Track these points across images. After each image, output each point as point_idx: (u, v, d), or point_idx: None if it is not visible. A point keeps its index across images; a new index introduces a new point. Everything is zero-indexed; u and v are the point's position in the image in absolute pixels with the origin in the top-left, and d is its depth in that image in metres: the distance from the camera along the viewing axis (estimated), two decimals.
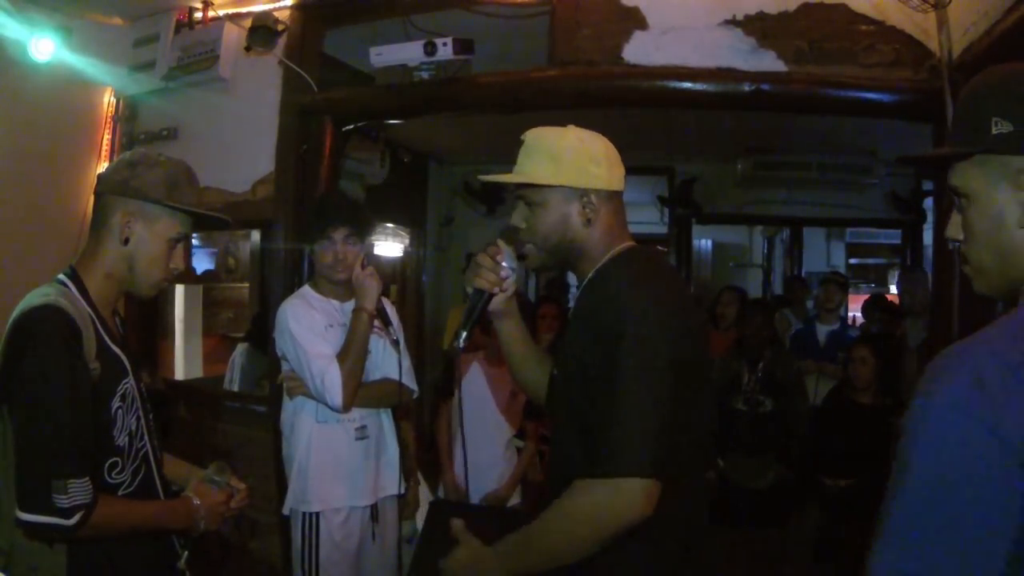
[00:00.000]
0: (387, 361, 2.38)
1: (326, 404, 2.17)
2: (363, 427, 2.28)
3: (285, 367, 2.31)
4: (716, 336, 4.39)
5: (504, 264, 1.46)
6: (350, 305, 2.27)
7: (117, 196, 1.45)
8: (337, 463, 2.25)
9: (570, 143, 1.40)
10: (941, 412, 0.76)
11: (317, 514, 2.23)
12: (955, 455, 0.74)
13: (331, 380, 2.11)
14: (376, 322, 2.28)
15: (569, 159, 1.37)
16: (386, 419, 2.38)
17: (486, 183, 6.64)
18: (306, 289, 2.36)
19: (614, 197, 1.41)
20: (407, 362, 2.39)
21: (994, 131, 0.84)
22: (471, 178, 6.79)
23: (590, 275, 1.39)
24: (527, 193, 1.41)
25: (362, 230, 2.31)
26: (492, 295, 1.47)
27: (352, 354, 2.16)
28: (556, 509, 1.22)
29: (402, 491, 2.40)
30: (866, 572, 0.79)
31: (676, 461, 1.21)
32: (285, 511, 2.30)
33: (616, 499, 1.15)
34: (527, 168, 1.40)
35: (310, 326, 2.21)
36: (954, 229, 0.96)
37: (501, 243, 1.48)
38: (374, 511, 2.32)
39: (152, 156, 1.50)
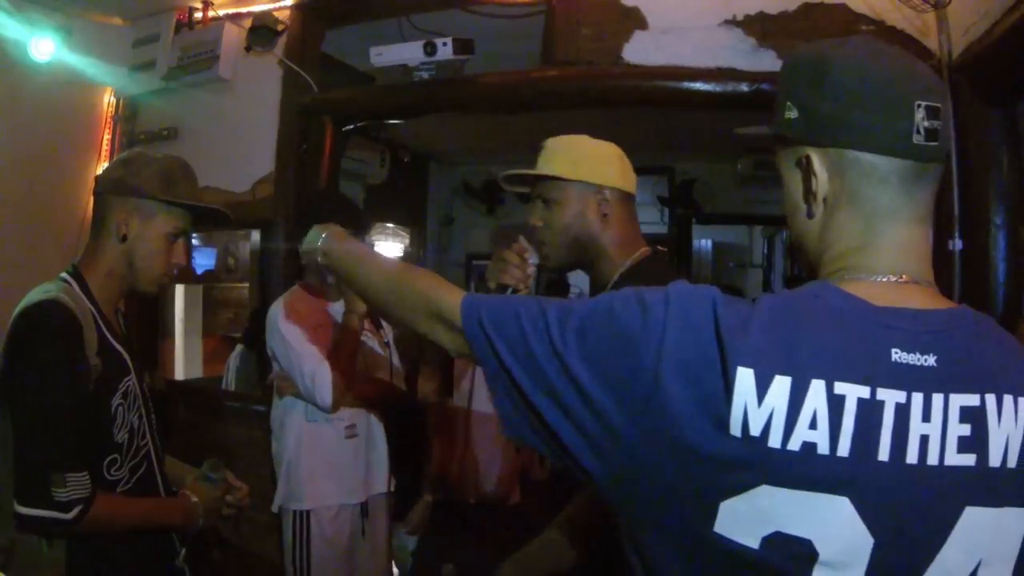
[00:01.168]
0: (378, 363, 2.38)
1: (315, 404, 2.17)
2: (352, 425, 2.30)
3: (275, 367, 2.31)
4: None
5: (530, 261, 1.51)
6: (341, 305, 2.27)
7: (114, 195, 1.46)
8: (327, 461, 2.27)
9: (586, 145, 1.53)
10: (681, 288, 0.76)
11: (308, 512, 2.25)
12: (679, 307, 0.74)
13: (321, 380, 2.12)
14: (367, 323, 2.29)
15: (585, 158, 1.49)
16: (375, 418, 2.40)
17: (485, 182, 6.67)
18: (297, 288, 2.37)
19: (628, 200, 1.53)
20: (398, 363, 2.40)
21: (786, 116, 0.80)
22: (471, 178, 6.80)
23: (615, 278, 1.47)
24: (546, 191, 1.50)
25: (358, 229, 2.31)
26: (517, 291, 1.51)
27: (343, 354, 2.17)
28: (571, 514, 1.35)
29: (391, 489, 2.43)
30: None
31: None
32: (274, 509, 2.32)
33: None
34: (547, 166, 1.50)
35: (300, 326, 2.21)
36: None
37: (524, 241, 1.52)
38: (364, 508, 2.35)
39: (147, 154, 1.52)
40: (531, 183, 1.55)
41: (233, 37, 3.31)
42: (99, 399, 1.37)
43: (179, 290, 4.20)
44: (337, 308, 2.30)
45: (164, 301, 4.02)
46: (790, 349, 0.70)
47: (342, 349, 2.18)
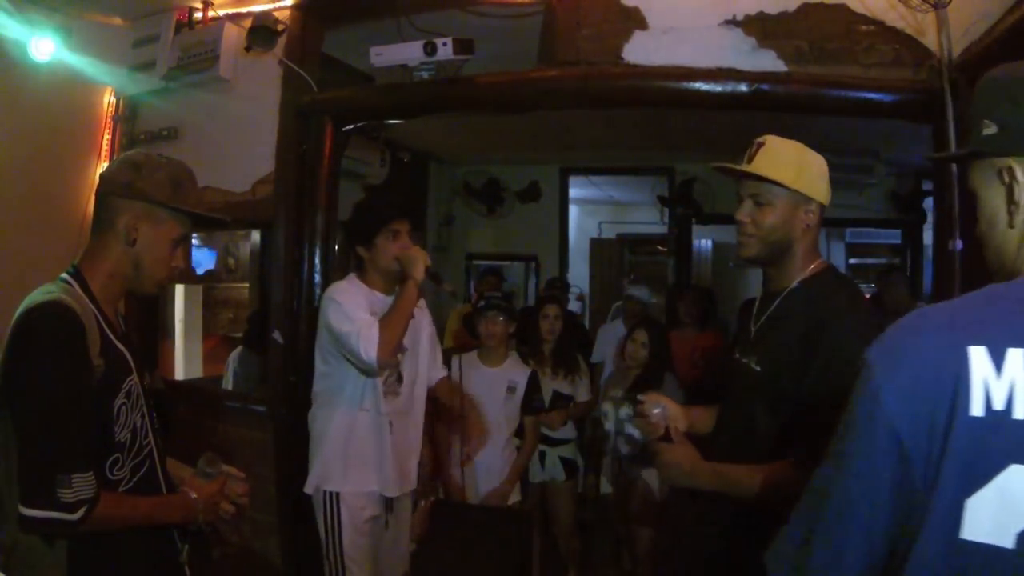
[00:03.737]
0: (423, 344, 2.54)
1: (360, 362, 2.20)
2: (391, 423, 2.37)
3: (323, 339, 2.37)
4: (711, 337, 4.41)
5: (656, 411, 1.66)
6: (392, 298, 2.39)
7: (122, 198, 1.46)
8: (366, 450, 2.35)
9: (810, 158, 1.60)
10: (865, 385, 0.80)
11: (338, 494, 2.33)
12: (851, 404, 0.79)
13: (370, 334, 2.15)
14: (421, 301, 2.42)
15: (809, 171, 1.58)
16: (410, 423, 2.48)
17: (485, 182, 6.67)
18: (352, 277, 2.47)
19: (822, 212, 1.60)
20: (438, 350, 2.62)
21: (984, 133, 0.87)
22: (471, 178, 6.80)
23: (793, 285, 1.59)
24: (759, 191, 1.58)
25: (420, 221, 2.47)
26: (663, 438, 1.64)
27: (395, 315, 2.24)
28: (770, 474, 1.43)
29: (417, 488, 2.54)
30: None
31: None
32: (308, 490, 2.38)
33: None
34: (771, 170, 1.56)
35: (356, 300, 2.31)
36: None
37: (648, 402, 1.68)
38: (390, 503, 2.42)
39: (155, 158, 1.52)
40: (740, 177, 1.62)
41: (233, 37, 3.30)
42: (102, 399, 1.37)
43: (179, 290, 4.20)
44: (386, 300, 2.40)
45: (164, 301, 4.02)
46: (1011, 325, 0.75)
47: (396, 311, 2.24)
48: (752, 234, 1.60)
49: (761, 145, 1.60)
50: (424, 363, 2.55)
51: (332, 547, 2.33)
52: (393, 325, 2.20)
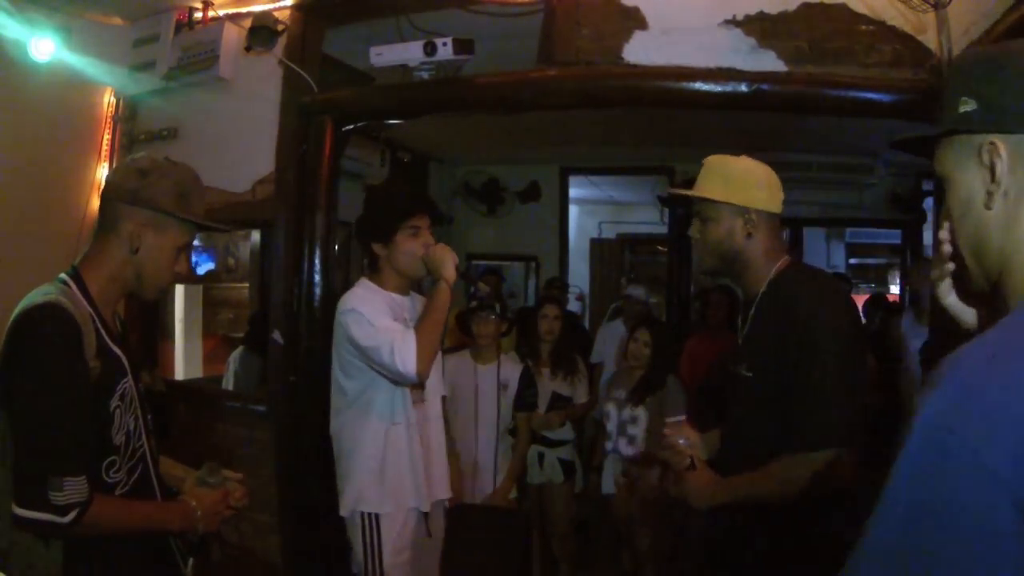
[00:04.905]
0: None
1: (397, 375, 2.05)
2: (418, 431, 2.25)
3: (343, 357, 2.20)
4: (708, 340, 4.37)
5: (681, 443, 1.70)
6: (410, 300, 2.29)
7: (127, 204, 1.46)
8: (403, 465, 2.20)
9: (739, 169, 1.70)
10: (923, 428, 0.65)
11: (378, 515, 2.19)
12: (932, 479, 0.63)
13: (405, 346, 2.00)
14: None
15: (735, 181, 1.67)
16: (434, 428, 2.35)
17: (485, 182, 6.67)
18: (365, 281, 2.29)
19: (773, 218, 1.69)
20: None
21: (961, 110, 0.81)
22: (471, 178, 6.81)
23: (763, 289, 1.65)
24: (702, 208, 1.72)
25: (441, 218, 2.34)
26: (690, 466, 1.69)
27: (430, 322, 2.09)
28: (777, 471, 1.50)
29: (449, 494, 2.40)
30: None
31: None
32: (344, 512, 2.23)
33: (823, 468, 1.43)
34: (705, 187, 1.71)
35: (377, 308, 2.15)
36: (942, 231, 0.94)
37: (671, 434, 1.73)
38: (426, 516, 2.28)
39: (162, 164, 1.52)
40: (681, 199, 1.77)
41: (233, 37, 3.30)
42: (98, 401, 1.37)
43: (179, 290, 4.20)
44: (406, 302, 2.28)
45: (164, 301, 4.02)
46: None
47: (430, 318, 2.10)
48: (702, 252, 1.75)
49: (703, 166, 1.74)
50: (438, 367, 2.41)
51: (373, 570, 2.19)
52: (429, 332, 2.06)
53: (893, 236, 6.88)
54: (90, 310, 1.41)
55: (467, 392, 3.11)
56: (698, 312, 5.02)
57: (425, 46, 2.83)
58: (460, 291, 3.13)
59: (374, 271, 2.32)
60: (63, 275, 1.44)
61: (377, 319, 2.09)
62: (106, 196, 1.50)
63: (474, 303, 3.21)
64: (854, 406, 1.49)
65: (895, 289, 7.61)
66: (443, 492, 2.35)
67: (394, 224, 2.22)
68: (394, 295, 2.26)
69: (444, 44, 2.81)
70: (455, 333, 4.21)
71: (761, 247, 1.67)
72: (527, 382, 3.24)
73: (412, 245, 2.22)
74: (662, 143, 5.58)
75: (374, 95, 3.36)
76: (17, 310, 1.34)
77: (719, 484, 1.63)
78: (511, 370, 3.21)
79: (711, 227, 1.70)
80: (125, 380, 1.45)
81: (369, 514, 2.19)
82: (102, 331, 1.42)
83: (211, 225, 1.60)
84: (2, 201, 3.15)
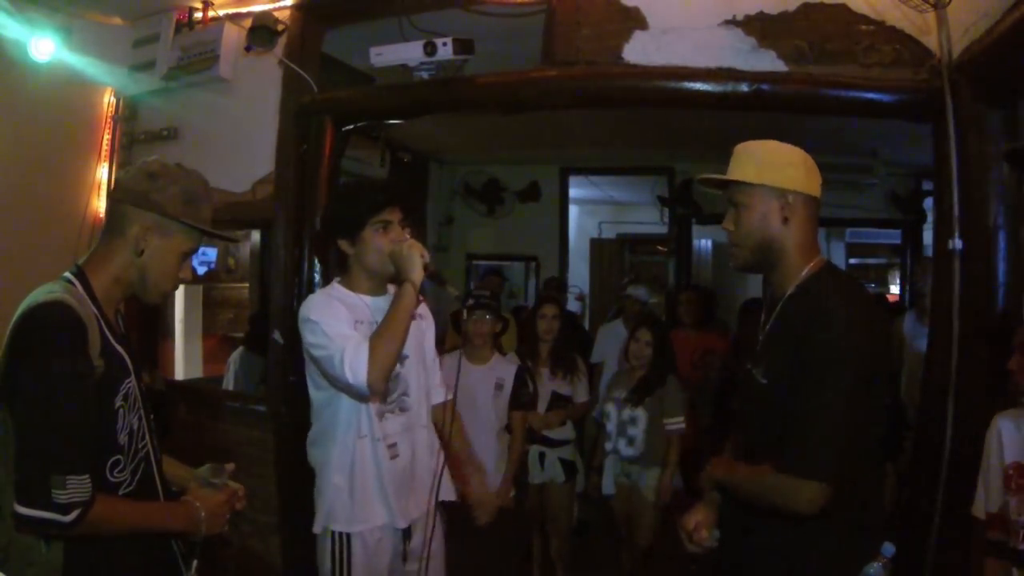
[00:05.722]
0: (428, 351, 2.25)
1: (347, 387, 1.88)
2: (394, 444, 2.08)
3: (309, 386, 2.09)
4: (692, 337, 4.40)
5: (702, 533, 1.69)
6: (382, 300, 2.08)
7: (135, 207, 1.46)
8: (370, 480, 2.04)
9: (771, 149, 1.60)
10: None
11: (349, 534, 2.04)
12: None
13: (357, 355, 1.82)
14: (420, 308, 2.11)
15: (769, 163, 1.57)
16: (420, 438, 2.17)
17: (485, 182, 6.67)
18: (334, 285, 2.13)
19: (811, 203, 1.58)
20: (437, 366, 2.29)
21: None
22: (471, 178, 6.81)
23: (791, 290, 1.56)
24: (735, 195, 1.60)
25: (414, 211, 2.14)
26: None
27: (387, 330, 1.88)
28: (763, 481, 1.50)
29: (441, 499, 2.18)
30: None
31: (853, 462, 1.43)
32: (316, 530, 2.09)
33: (797, 496, 1.41)
34: (737, 172, 1.60)
35: (334, 315, 1.95)
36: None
37: (688, 525, 1.72)
38: (407, 532, 2.13)
39: (172, 169, 1.52)
40: (724, 188, 1.64)
41: (233, 37, 3.31)
42: (101, 401, 1.37)
43: (179, 290, 4.20)
44: (378, 303, 2.07)
45: (164, 302, 4.02)
46: None
47: (389, 324, 1.88)
48: (737, 242, 1.62)
49: (732, 156, 1.64)
50: (433, 370, 2.30)
51: None
52: (386, 341, 1.85)
53: (893, 236, 6.88)
54: (95, 310, 1.41)
55: (462, 393, 3.10)
56: (668, 312, 5.10)
57: (425, 46, 2.83)
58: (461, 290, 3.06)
59: (344, 272, 2.13)
60: (68, 274, 1.44)
61: (332, 327, 1.90)
62: (114, 197, 1.50)
63: (469, 302, 3.20)
64: (851, 442, 1.41)
65: (895, 289, 7.61)
66: (419, 509, 2.14)
67: (361, 218, 1.99)
68: (365, 297, 2.07)
69: (444, 44, 2.81)
70: (450, 334, 4.22)
71: (797, 237, 1.56)
72: (522, 381, 3.23)
73: (381, 241, 2.00)
74: (662, 143, 5.58)
75: (374, 95, 3.36)
76: (22, 307, 1.34)
77: (722, 464, 1.69)
78: (506, 369, 3.20)
79: (744, 214, 1.58)
80: (128, 380, 1.45)
81: (340, 533, 2.03)
82: (106, 331, 1.42)
83: (217, 233, 1.59)
84: (2, 200, 3.15)
